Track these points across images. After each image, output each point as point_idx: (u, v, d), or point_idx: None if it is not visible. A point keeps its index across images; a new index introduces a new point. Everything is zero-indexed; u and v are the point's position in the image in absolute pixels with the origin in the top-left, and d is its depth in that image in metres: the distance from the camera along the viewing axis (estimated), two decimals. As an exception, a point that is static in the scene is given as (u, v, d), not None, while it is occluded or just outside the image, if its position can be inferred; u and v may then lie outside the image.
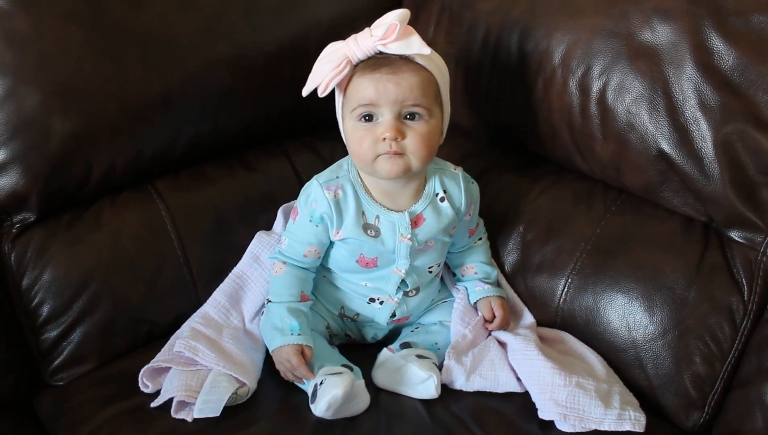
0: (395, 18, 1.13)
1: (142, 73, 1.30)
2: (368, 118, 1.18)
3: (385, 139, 1.16)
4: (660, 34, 1.23)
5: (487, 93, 1.44)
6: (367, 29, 1.16)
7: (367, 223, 1.22)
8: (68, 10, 1.25)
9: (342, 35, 1.49)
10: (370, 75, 1.15)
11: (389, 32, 1.13)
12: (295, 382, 1.21)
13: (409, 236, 1.23)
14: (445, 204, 1.25)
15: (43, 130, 1.23)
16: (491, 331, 1.32)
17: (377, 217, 1.22)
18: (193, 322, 1.28)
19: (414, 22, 1.52)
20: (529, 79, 1.36)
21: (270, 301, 1.25)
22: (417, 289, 1.29)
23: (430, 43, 1.17)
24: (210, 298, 1.32)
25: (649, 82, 1.24)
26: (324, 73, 1.16)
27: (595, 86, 1.29)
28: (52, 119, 1.23)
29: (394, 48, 1.14)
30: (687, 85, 1.21)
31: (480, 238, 1.37)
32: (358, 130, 1.18)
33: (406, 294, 1.28)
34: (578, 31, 1.30)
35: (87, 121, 1.26)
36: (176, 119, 1.35)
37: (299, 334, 1.20)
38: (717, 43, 1.19)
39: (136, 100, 1.30)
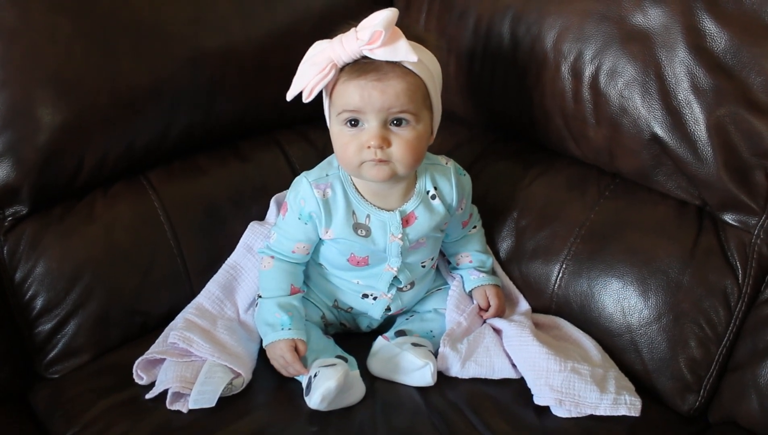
0: (381, 24, 1.08)
1: (132, 64, 1.29)
2: (354, 123, 1.15)
3: (370, 147, 1.13)
4: (652, 17, 1.22)
5: (479, 79, 1.44)
6: (353, 30, 1.11)
7: (357, 222, 1.21)
8: (56, 1, 1.25)
9: (334, 24, 1.48)
10: (355, 81, 1.12)
11: (374, 38, 1.08)
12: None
13: (400, 236, 1.22)
14: (437, 201, 1.24)
15: (33, 122, 1.23)
16: (486, 319, 1.32)
17: (368, 216, 1.21)
18: (187, 313, 1.28)
19: (406, 9, 1.53)
20: (521, 64, 1.36)
21: (260, 297, 1.25)
22: (411, 284, 1.28)
23: (419, 39, 1.15)
24: (204, 289, 1.32)
25: (642, 65, 1.24)
26: (308, 77, 1.12)
27: (588, 71, 1.28)
28: (42, 111, 1.23)
29: (380, 54, 1.10)
30: (679, 68, 1.21)
31: (474, 227, 1.36)
32: (343, 135, 1.16)
33: (399, 290, 1.28)
34: (570, 15, 1.29)
35: (77, 112, 1.25)
36: (167, 110, 1.35)
37: (290, 329, 1.19)
38: (709, 26, 1.18)
39: (127, 91, 1.29)
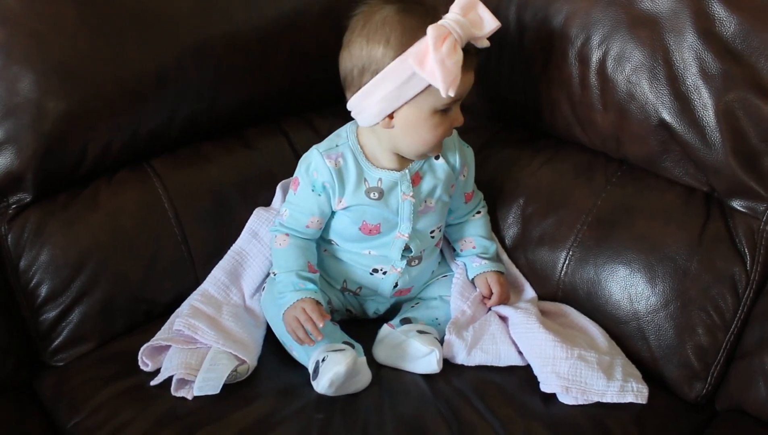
0: (494, 18, 1.14)
1: (137, 51, 1.29)
2: (447, 109, 1.16)
3: (454, 126, 1.19)
4: (660, 2, 1.21)
5: (485, 66, 1.42)
6: (457, 15, 1.11)
7: (369, 187, 1.22)
8: (61, -12, 1.24)
9: (339, 10, 1.47)
10: (464, 72, 1.11)
11: (489, 31, 1.14)
12: (295, 357, 1.20)
13: (411, 194, 1.22)
14: (440, 161, 1.25)
15: (38, 109, 1.22)
16: (491, 307, 1.32)
17: (379, 179, 1.22)
18: (193, 299, 1.28)
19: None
20: (527, 50, 1.35)
21: (276, 274, 1.24)
22: (419, 258, 1.28)
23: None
24: (209, 276, 1.32)
25: (650, 50, 1.23)
26: (455, 67, 1.08)
27: (595, 56, 1.27)
28: (46, 98, 1.22)
29: (484, 43, 1.15)
30: (688, 53, 1.20)
31: (479, 212, 1.36)
32: (434, 120, 1.16)
33: (409, 263, 1.27)
34: (577, 0, 1.28)
35: (81, 100, 1.25)
36: (172, 97, 1.34)
37: (316, 292, 1.20)
38: (718, 10, 1.17)
39: (131, 78, 1.29)
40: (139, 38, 1.29)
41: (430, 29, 1.08)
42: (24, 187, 1.26)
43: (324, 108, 1.54)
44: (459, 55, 1.09)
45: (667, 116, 1.23)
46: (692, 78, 1.20)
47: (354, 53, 1.15)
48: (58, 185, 1.29)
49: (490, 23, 1.14)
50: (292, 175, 1.31)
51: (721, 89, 1.18)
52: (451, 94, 1.09)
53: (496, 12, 1.36)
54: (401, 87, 1.12)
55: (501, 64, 1.40)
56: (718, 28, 1.17)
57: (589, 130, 1.34)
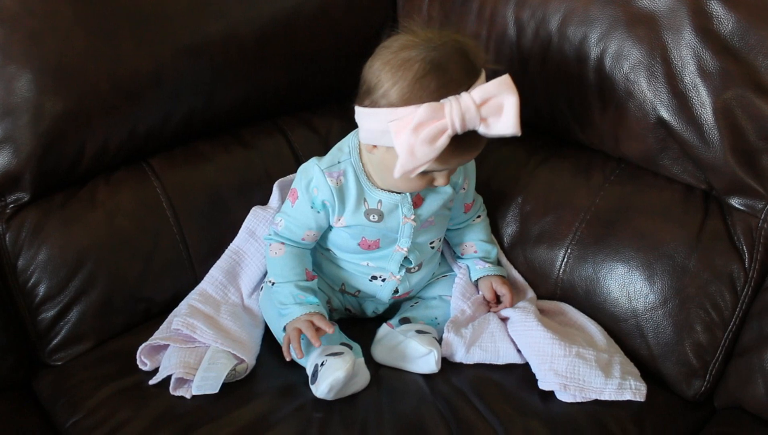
0: (516, 124, 1.02)
1: (134, 50, 1.29)
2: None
3: (434, 185, 1.15)
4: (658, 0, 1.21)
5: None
6: (470, 101, 1.01)
7: (369, 208, 1.21)
8: (57, -14, 1.24)
9: (335, 8, 1.47)
10: (458, 155, 1.07)
11: (498, 134, 1.03)
12: (296, 359, 1.19)
13: (412, 217, 1.21)
14: None
15: (34, 108, 1.22)
16: (498, 311, 1.31)
17: (379, 201, 1.21)
18: (191, 299, 1.28)
19: (408, -6, 1.51)
20: (525, 49, 1.35)
21: (274, 283, 1.24)
22: (419, 266, 1.28)
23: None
24: (207, 275, 1.32)
25: (648, 48, 1.22)
26: (425, 157, 1.02)
27: (593, 54, 1.27)
28: (42, 98, 1.22)
29: (493, 135, 1.05)
30: (686, 50, 1.20)
31: (479, 216, 1.36)
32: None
33: (408, 271, 1.27)
34: (575, -2, 1.28)
35: (78, 99, 1.25)
36: (169, 96, 1.34)
37: (318, 305, 1.19)
38: (716, 8, 1.17)
39: (128, 77, 1.28)
40: (136, 37, 1.29)
41: (424, 108, 1.01)
42: (22, 186, 1.25)
43: (321, 107, 1.54)
44: (439, 145, 1.02)
45: (665, 114, 1.23)
46: (690, 76, 1.20)
47: (372, 69, 1.09)
48: (55, 184, 1.29)
49: (504, 127, 1.03)
50: (288, 174, 1.30)
51: (719, 87, 1.18)
52: (411, 176, 1.05)
53: (493, 12, 1.37)
54: (383, 132, 1.07)
55: (498, 63, 1.40)
56: (716, 25, 1.17)
57: (588, 129, 1.34)
